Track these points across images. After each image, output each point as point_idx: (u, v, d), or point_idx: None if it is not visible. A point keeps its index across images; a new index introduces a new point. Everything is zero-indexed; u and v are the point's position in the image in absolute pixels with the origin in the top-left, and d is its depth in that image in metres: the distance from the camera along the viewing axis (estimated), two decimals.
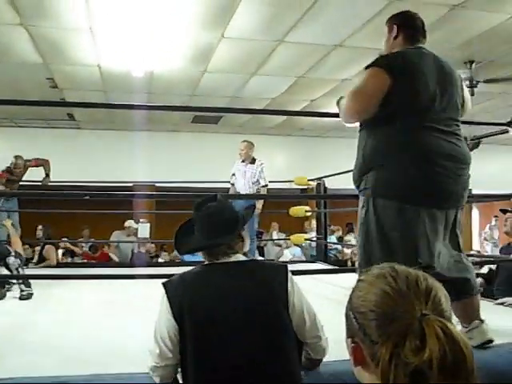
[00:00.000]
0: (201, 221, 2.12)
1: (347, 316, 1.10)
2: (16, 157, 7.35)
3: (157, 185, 10.46)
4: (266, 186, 7.10)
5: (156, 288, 4.75)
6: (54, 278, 5.58)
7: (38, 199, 8.92)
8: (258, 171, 7.07)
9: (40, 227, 8.67)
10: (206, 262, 2.10)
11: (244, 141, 7.28)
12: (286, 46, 6.96)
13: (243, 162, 7.18)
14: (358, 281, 1.12)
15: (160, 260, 10.30)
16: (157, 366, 1.93)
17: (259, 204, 6.92)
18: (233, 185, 7.27)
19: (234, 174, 7.24)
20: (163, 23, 6.25)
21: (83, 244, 10.43)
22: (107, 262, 9.00)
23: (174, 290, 1.96)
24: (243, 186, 7.08)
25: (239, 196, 6.73)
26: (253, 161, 7.15)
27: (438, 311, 0.99)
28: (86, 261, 9.35)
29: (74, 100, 8.98)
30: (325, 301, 4.39)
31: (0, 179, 7.09)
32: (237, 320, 1.89)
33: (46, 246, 8.15)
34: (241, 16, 6.03)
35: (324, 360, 2.21)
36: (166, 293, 1.96)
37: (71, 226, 10.91)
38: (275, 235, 11.07)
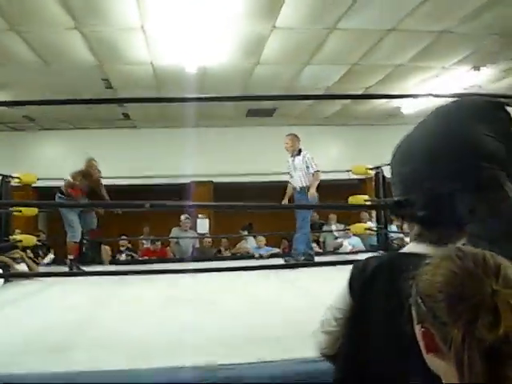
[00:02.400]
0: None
1: (415, 302, 1.05)
2: (90, 159, 7.28)
3: (214, 180, 10.55)
4: (318, 171, 7.02)
5: (219, 281, 4.80)
6: (126, 273, 5.69)
7: None
8: (305, 161, 7.03)
9: None
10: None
11: (288, 134, 7.25)
12: (338, 33, 6.85)
13: (291, 156, 7.15)
14: (424, 265, 1.07)
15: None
16: (320, 331, 1.86)
17: (312, 189, 6.88)
18: (290, 183, 7.28)
19: (289, 172, 7.24)
20: (214, 17, 6.24)
21: (144, 241, 10.57)
22: (169, 258, 9.08)
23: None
24: (297, 179, 7.05)
25: None
26: (299, 152, 7.11)
27: (510, 286, 0.94)
28: (146, 257, 9.45)
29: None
30: None
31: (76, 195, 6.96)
32: None
33: (103, 246, 8.34)
34: (291, 5, 5.96)
35: None
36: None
37: (132, 225, 11.09)
38: (334, 227, 10.96)
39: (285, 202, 7.24)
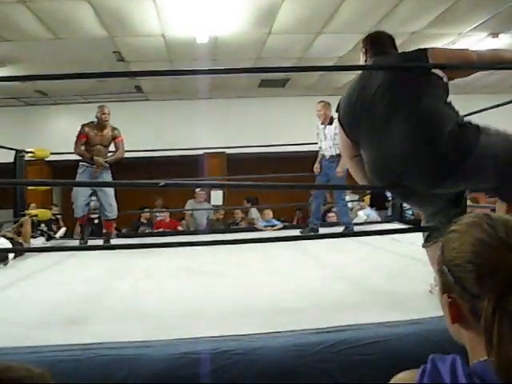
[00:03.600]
0: None
1: (440, 271, 1.02)
2: (101, 106, 6.82)
3: (227, 152, 10.51)
4: None
5: (234, 253, 4.80)
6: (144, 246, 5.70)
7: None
8: (337, 132, 6.87)
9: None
10: None
11: (320, 101, 7.08)
12: (350, 1, 6.73)
13: (322, 123, 7.01)
14: (449, 232, 1.03)
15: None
16: None
17: (340, 168, 6.76)
18: (320, 148, 7.15)
19: (319, 139, 7.10)
20: None
21: (157, 214, 10.59)
22: (183, 231, 9.09)
23: None
24: (327, 148, 6.94)
25: None
26: (331, 121, 6.94)
27: None
28: (162, 230, 9.47)
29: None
30: (405, 259, 4.29)
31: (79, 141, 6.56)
32: None
33: None
34: None
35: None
36: None
37: (143, 197, 11.11)
38: (348, 197, 10.90)
39: (316, 166, 7.13)
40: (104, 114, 6.69)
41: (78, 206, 6.67)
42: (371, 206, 3.59)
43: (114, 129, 6.78)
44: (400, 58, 3.12)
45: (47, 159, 7.65)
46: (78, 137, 6.61)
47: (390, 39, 3.24)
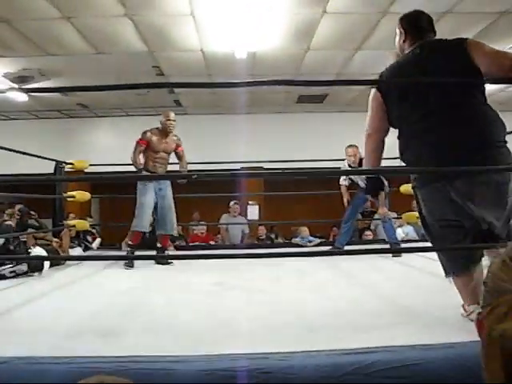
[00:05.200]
0: None
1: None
2: (166, 112, 6.43)
3: (265, 166, 10.50)
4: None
5: (269, 269, 4.78)
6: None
7: None
8: None
9: None
10: None
11: (350, 145, 6.91)
12: (390, 17, 6.68)
13: (350, 166, 6.89)
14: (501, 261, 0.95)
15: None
16: None
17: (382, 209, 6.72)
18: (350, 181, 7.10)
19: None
20: (264, 2, 6.20)
21: (194, 227, 10.63)
22: (219, 245, 9.08)
23: None
24: (362, 181, 6.88)
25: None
26: (360, 163, 6.83)
27: None
28: (197, 243, 9.49)
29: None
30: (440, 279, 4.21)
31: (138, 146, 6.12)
32: None
33: None
34: None
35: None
36: None
37: (182, 210, 11.18)
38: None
39: (345, 200, 7.10)
40: (169, 120, 6.26)
41: (145, 220, 6.18)
42: (366, 191, 3.63)
43: (176, 137, 6.39)
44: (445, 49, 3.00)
45: (86, 171, 7.75)
46: (138, 142, 6.18)
47: (430, 21, 3.19)
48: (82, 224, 7.08)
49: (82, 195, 7.02)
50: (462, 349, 2.14)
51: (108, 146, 11.67)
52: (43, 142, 10.80)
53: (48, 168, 7.05)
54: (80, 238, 8.01)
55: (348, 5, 6.32)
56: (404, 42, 3.20)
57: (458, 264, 2.92)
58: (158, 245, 6.41)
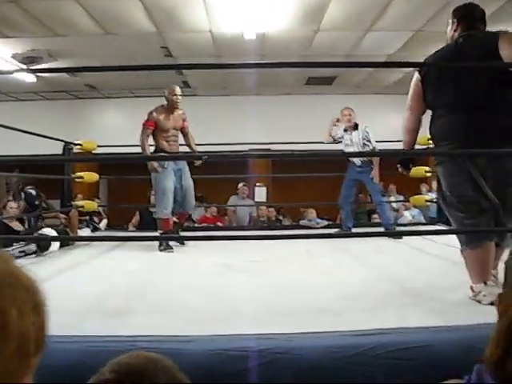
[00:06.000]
0: None
1: None
2: (171, 87, 6.08)
3: (272, 148, 10.48)
4: (375, 148, 6.83)
5: (277, 250, 4.79)
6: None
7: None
8: (365, 135, 6.80)
9: (153, 192, 8.99)
10: None
11: (346, 107, 6.98)
12: None
13: (346, 130, 6.94)
14: None
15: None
16: None
17: (376, 169, 6.73)
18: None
19: (346, 145, 6.99)
20: None
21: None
22: (227, 227, 9.09)
23: None
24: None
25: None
26: (356, 126, 6.89)
27: None
28: (205, 224, 9.52)
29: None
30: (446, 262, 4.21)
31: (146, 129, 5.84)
32: None
33: None
34: None
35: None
36: None
37: None
38: (393, 198, 10.79)
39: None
40: (175, 95, 5.93)
41: (168, 205, 5.80)
42: (400, 163, 3.70)
43: (182, 111, 6.10)
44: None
45: (94, 152, 7.75)
46: (145, 125, 5.88)
47: (482, 14, 3.40)
48: (90, 205, 7.09)
49: (91, 176, 7.03)
50: (472, 331, 2.15)
51: (116, 127, 11.68)
52: (51, 123, 10.80)
53: (55, 149, 7.06)
54: (88, 219, 8.06)
55: None
56: (455, 31, 3.38)
57: (472, 237, 3.05)
58: (175, 219, 6.22)
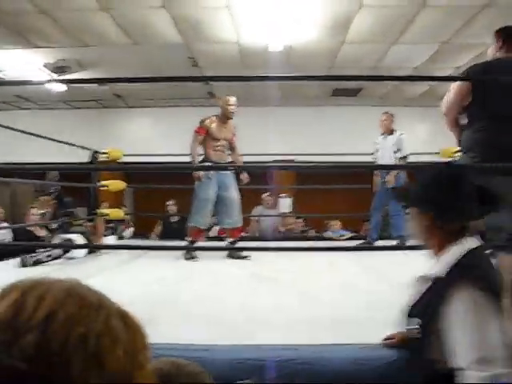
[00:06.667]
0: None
1: None
2: (226, 97, 6.15)
3: (296, 160, 10.50)
4: (405, 157, 6.83)
5: (302, 261, 4.79)
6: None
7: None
8: (396, 141, 6.82)
9: (172, 202, 9.02)
10: (468, 247, 1.78)
11: (385, 112, 7.08)
12: (428, 10, 6.61)
13: (382, 134, 7.00)
14: None
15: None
16: None
17: (391, 177, 6.67)
18: (375, 159, 7.06)
19: (377, 150, 7.03)
20: None
21: None
22: (253, 237, 9.08)
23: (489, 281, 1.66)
24: (385, 159, 6.86)
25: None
26: (391, 132, 6.94)
27: None
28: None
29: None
30: None
31: (197, 136, 5.86)
32: None
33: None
34: None
35: None
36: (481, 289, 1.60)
37: None
38: (408, 210, 10.67)
39: (375, 182, 7.07)
40: (230, 105, 6.00)
41: (206, 216, 5.87)
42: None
43: (233, 125, 6.16)
44: None
45: (120, 161, 7.83)
46: (196, 132, 5.89)
47: None
48: (117, 213, 7.17)
49: (117, 184, 7.11)
50: None
51: (142, 137, 11.79)
52: (79, 132, 10.93)
53: (83, 157, 7.15)
54: (113, 227, 8.14)
55: None
56: (500, 49, 3.55)
57: None
58: (229, 239, 6.11)
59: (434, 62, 8.70)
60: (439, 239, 1.83)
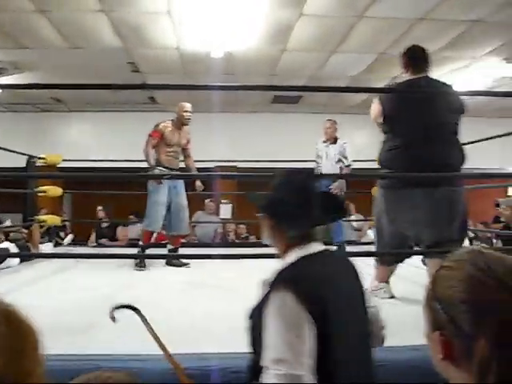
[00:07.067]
0: (308, 195, 1.89)
1: (431, 307, 0.98)
2: (182, 104, 6.10)
3: (238, 166, 10.53)
4: (349, 166, 6.95)
5: (241, 268, 4.79)
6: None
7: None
8: (340, 150, 6.94)
9: (100, 208, 8.92)
10: (308, 251, 1.84)
11: (329, 119, 7.16)
12: (366, 21, 6.76)
13: (325, 142, 7.07)
14: (442, 267, 1.00)
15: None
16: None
17: (337, 186, 6.80)
18: (317, 167, 7.14)
19: (319, 156, 7.11)
20: (242, 2, 6.20)
21: None
22: (193, 243, 9.02)
23: (304, 285, 1.67)
24: (330, 168, 6.96)
25: (322, 175, 6.72)
26: (335, 141, 7.03)
27: None
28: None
29: (156, 84, 9.12)
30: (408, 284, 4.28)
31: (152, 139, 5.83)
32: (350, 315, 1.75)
33: (119, 227, 8.39)
34: None
35: None
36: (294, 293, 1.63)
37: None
38: (353, 217, 10.85)
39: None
40: (186, 111, 5.99)
41: (158, 219, 5.80)
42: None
43: (188, 131, 6.14)
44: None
45: (59, 166, 7.67)
46: (150, 135, 5.87)
47: (426, 54, 3.93)
48: (54, 219, 7.01)
49: (54, 190, 6.96)
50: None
51: (82, 142, 11.57)
52: (15, 135, 10.65)
53: (19, 162, 6.98)
54: (51, 233, 7.98)
55: (325, 8, 6.35)
56: (407, 70, 3.88)
57: (391, 259, 3.99)
58: (170, 246, 6.09)
59: (372, 72, 8.88)
60: (283, 244, 1.88)
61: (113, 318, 1.99)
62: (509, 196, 5.88)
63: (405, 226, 3.67)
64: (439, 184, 3.52)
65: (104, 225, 9.00)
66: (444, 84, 3.98)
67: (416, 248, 3.96)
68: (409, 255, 4.03)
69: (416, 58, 3.88)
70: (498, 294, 0.88)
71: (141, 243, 5.93)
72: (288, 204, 1.84)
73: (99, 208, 9.34)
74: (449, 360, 0.94)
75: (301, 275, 1.70)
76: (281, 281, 1.68)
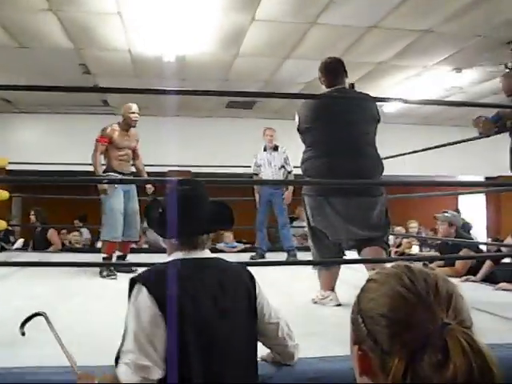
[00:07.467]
0: (192, 202, 1.99)
1: (354, 320, 0.97)
2: (129, 105, 5.85)
3: (192, 171, 10.46)
4: (291, 172, 7.00)
5: None
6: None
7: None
8: (284, 157, 7.00)
9: (32, 212, 8.72)
10: (184, 256, 1.96)
11: (269, 128, 7.18)
12: (318, 28, 6.80)
13: (265, 150, 7.10)
14: (368, 281, 0.99)
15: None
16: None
17: (289, 193, 6.88)
18: (256, 175, 7.20)
19: (259, 166, 7.13)
20: (193, 6, 6.16)
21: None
22: (142, 248, 8.89)
23: (157, 286, 1.79)
24: (270, 175, 6.99)
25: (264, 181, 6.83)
26: (276, 148, 7.08)
27: (459, 320, 0.86)
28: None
29: (108, 86, 8.97)
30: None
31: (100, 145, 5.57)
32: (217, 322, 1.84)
33: (50, 230, 8.21)
34: None
35: None
36: (149, 289, 1.77)
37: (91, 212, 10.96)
38: (304, 223, 10.79)
39: (257, 198, 7.19)
40: (133, 112, 5.73)
41: (118, 227, 5.50)
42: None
43: (136, 132, 5.91)
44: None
45: (8, 168, 7.46)
46: (98, 141, 5.58)
47: (343, 66, 4.02)
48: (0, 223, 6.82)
49: (1, 194, 6.76)
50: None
51: (32, 144, 11.31)
52: None
53: None
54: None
55: (277, 13, 6.36)
56: (323, 82, 4.02)
57: (328, 263, 4.06)
58: (118, 253, 5.81)
59: None
60: (168, 249, 2.06)
61: (23, 334, 2.15)
62: (445, 211, 5.98)
63: (328, 229, 3.89)
64: (353, 193, 3.74)
65: (38, 229, 8.72)
66: (360, 93, 4.20)
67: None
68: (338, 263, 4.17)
69: (330, 70, 3.99)
70: (417, 311, 0.86)
71: (104, 255, 5.57)
72: (161, 215, 2.00)
73: (31, 212, 9.02)
74: (365, 375, 0.92)
75: (157, 273, 1.84)
76: (140, 275, 1.86)
